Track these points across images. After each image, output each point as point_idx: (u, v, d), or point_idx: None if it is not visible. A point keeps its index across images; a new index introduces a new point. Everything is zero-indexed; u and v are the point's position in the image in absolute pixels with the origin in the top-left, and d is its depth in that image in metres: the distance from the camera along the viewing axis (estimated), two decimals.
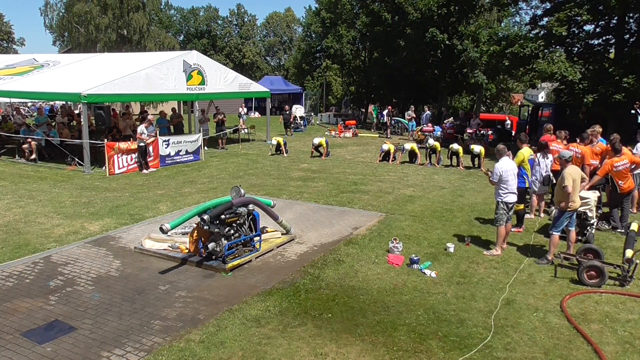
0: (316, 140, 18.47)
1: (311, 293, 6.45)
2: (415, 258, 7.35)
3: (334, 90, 46.42)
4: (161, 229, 7.07)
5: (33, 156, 16.42)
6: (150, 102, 28.64)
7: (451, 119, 23.89)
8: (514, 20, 30.09)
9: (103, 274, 7.12)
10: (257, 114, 37.98)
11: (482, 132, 20.99)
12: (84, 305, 6.08)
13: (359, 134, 26.31)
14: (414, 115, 25.89)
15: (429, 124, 22.97)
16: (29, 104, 30.16)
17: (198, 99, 19.65)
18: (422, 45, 27.16)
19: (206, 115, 21.04)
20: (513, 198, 7.90)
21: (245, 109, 27.63)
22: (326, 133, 26.88)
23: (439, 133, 21.38)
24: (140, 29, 38.10)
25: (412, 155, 17.10)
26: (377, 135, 25.89)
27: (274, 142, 18.97)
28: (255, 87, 23.11)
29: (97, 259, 7.68)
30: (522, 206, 9.11)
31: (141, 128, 15.39)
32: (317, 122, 35.06)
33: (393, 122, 26.94)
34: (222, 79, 19.90)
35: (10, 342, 5.22)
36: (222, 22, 76.39)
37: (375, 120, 29.11)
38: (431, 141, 16.55)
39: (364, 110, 38.50)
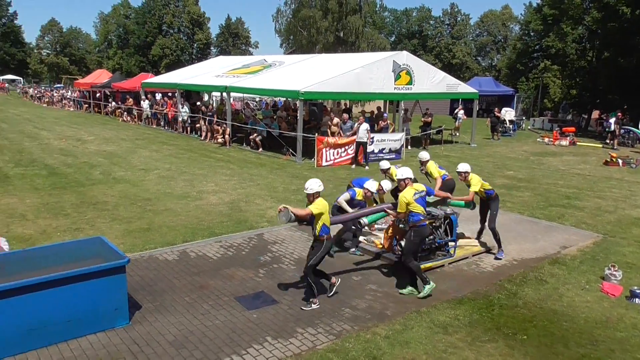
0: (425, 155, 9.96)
1: (506, 309, 6.01)
2: (637, 291, 6.29)
3: (551, 93, 42.15)
4: (359, 223, 7.38)
5: (259, 150, 18.61)
6: (357, 100, 29.99)
7: None
8: None
9: (304, 256, 7.71)
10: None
11: None
12: (285, 282, 6.72)
13: (577, 143, 23.45)
14: None
15: None
16: (257, 99, 34.38)
17: (404, 98, 19.90)
18: None
19: (409, 115, 21.13)
20: None
21: (462, 111, 24.99)
22: (538, 140, 24.65)
23: None
24: (355, 31, 40.27)
25: None
26: (601, 146, 22.71)
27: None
28: (463, 87, 22.42)
29: (300, 242, 8.39)
30: None
31: (365, 125, 16.28)
32: (529, 127, 32.41)
33: (623, 131, 23.32)
34: (430, 79, 19.75)
35: (226, 304, 6.05)
36: (434, 22, 76.02)
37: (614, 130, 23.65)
38: None
39: (585, 116, 34.19)
